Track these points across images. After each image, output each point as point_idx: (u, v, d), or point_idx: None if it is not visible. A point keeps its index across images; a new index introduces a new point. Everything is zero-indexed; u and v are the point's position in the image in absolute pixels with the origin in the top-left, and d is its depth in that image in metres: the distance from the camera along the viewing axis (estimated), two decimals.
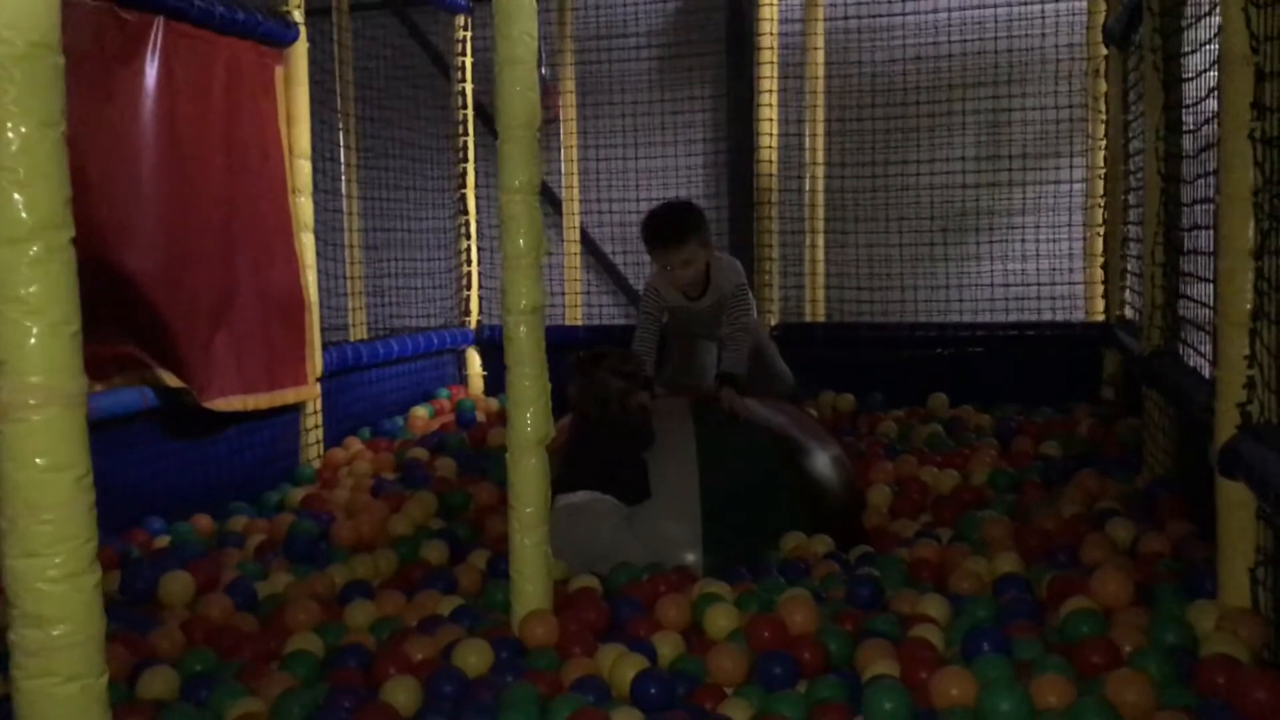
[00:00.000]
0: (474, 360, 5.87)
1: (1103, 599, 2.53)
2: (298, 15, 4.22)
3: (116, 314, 3.44)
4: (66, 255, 1.48)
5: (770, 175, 5.58)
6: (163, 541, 3.48)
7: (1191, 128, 3.44)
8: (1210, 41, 2.89)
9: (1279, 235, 2.20)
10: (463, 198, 5.79)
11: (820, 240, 5.75)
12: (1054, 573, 2.76)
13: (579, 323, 5.99)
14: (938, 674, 2.13)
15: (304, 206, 4.32)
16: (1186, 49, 3.40)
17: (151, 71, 3.56)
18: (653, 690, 2.24)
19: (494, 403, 5.43)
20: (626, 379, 3.37)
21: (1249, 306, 2.29)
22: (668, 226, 3.84)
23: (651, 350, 3.89)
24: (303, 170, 4.31)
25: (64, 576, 1.46)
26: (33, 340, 1.45)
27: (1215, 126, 2.51)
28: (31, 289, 1.45)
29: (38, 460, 1.46)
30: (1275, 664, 2.19)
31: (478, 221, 5.81)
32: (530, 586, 2.59)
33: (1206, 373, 3.02)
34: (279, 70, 4.17)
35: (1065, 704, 2.02)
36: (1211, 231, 2.67)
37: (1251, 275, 2.27)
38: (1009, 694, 2.00)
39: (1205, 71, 3.14)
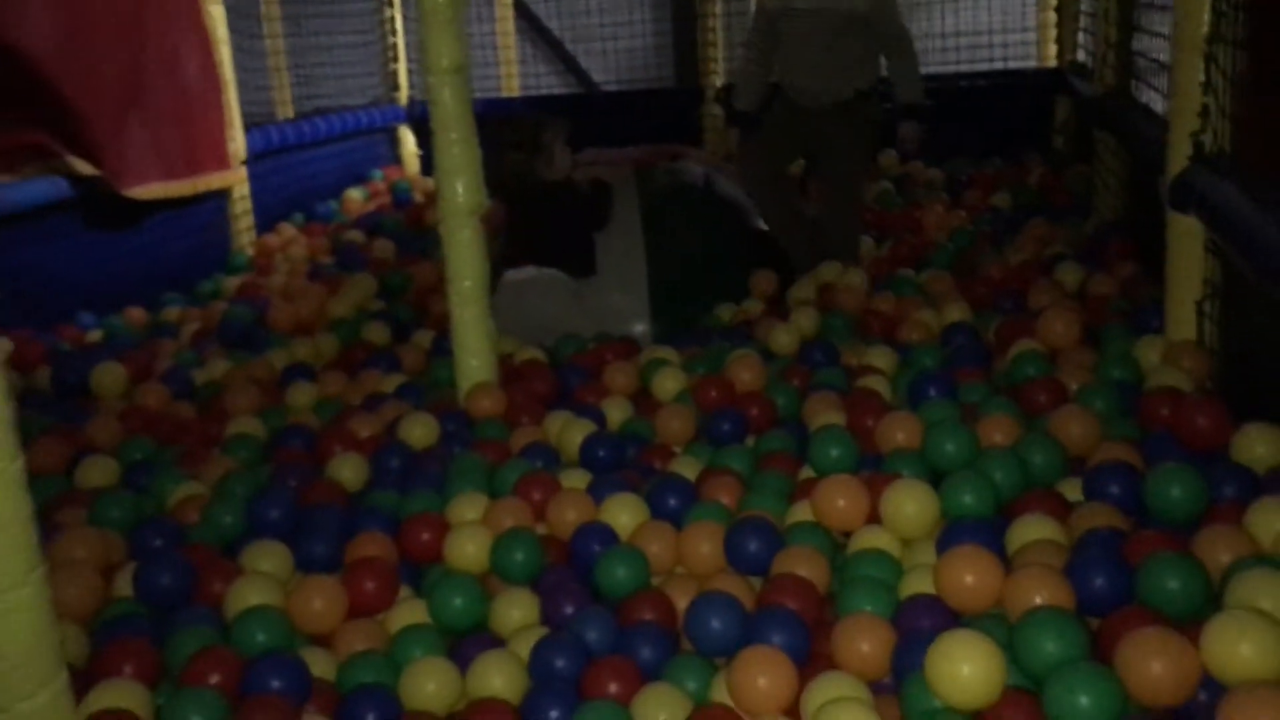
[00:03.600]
0: (408, 138, 5.65)
1: (1050, 340, 2.52)
2: None
3: (17, 100, 3.22)
4: None
5: None
6: (95, 336, 3.38)
7: None
8: None
9: None
10: None
11: None
12: (1002, 319, 2.74)
13: (515, 94, 5.74)
14: (884, 419, 2.12)
15: None
16: None
17: None
18: (601, 453, 2.23)
19: (431, 182, 5.25)
20: (519, 149, 3.14)
21: (1205, 30, 2.17)
22: None
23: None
24: None
25: None
26: None
27: None
28: None
29: None
30: (1218, 392, 2.20)
31: None
32: (474, 360, 2.54)
33: (1160, 109, 2.94)
34: None
35: (1011, 442, 2.02)
36: None
37: None
38: (953, 435, 1.99)
39: None
